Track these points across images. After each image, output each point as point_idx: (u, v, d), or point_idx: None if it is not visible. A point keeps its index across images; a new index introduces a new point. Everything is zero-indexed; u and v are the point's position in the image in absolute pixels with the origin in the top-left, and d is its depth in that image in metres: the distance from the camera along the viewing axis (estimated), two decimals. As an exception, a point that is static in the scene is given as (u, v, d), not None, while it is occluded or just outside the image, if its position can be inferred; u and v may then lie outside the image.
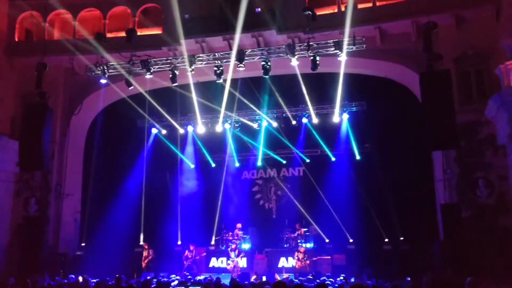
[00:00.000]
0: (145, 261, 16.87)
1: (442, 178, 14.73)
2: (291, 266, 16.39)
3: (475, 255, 12.27)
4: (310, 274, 13.10)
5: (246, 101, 17.30)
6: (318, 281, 10.41)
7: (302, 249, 16.21)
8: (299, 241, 16.90)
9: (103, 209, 17.68)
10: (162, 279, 12.18)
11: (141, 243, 16.94)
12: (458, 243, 12.46)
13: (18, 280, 8.94)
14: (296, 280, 12.10)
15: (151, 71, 15.37)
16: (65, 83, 18.05)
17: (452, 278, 9.62)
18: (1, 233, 16.46)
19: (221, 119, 17.92)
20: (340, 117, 17.29)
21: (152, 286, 9.21)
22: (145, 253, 16.84)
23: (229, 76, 15.55)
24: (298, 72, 15.15)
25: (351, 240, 16.57)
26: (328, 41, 14.35)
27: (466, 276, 8.36)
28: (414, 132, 13.72)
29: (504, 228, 13.21)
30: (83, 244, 17.45)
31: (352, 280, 12.08)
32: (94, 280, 11.34)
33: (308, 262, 15.91)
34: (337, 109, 16.91)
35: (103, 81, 15.85)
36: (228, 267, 16.40)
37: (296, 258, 16.06)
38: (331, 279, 11.30)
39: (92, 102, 18.23)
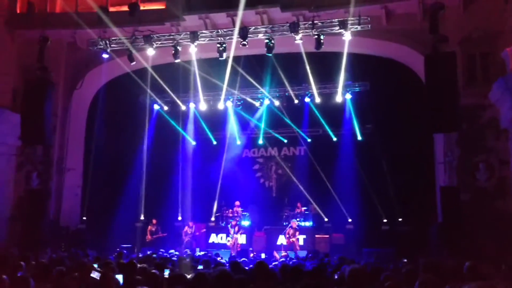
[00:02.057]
0: (152, 236, 16.97)
1: (442, 161, 14.75)
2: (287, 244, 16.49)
3: (473, 238, 12.36)
4: (310, 253, 13.25)
5: (249, 79, 17.17)
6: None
7: (294, 224, 15.98)
8: (298, 219, 16.95)
9: (105, 184, 17.79)
10: (163, 254, 12.32)
11: (153, 220, 17.05)
12: (456, 225, 12.55)
13: (19, 253, 9.03)
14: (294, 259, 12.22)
15: (154, 46, 15.24)
16: (67, 58, 17.85)
17: (449, 260, 9.70)
18: (3, 206, 16.55)
19: (223, 97, 17.83)
20: (343, 97, 17.22)
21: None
22: (152, 228, 16.94)
23: (232, 53, 15.42)
24: (302, 51, 14.99)
25: (350, 220, 16.70)
26: (333, 19, 14.17)
27: (463, 259, 8.44)
28: (416, 114, 13.67)
29: (502, 212, 13.28)
30: (84, 218, 17.63)
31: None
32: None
33: (294, 239, 15.70)
34: (340, 89, 16.81)
35: (105, 55, 15.75)
36: (228, 244, 16.58)
37: (287, 235, 15.89)
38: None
39: (94, 77, 18.11)
